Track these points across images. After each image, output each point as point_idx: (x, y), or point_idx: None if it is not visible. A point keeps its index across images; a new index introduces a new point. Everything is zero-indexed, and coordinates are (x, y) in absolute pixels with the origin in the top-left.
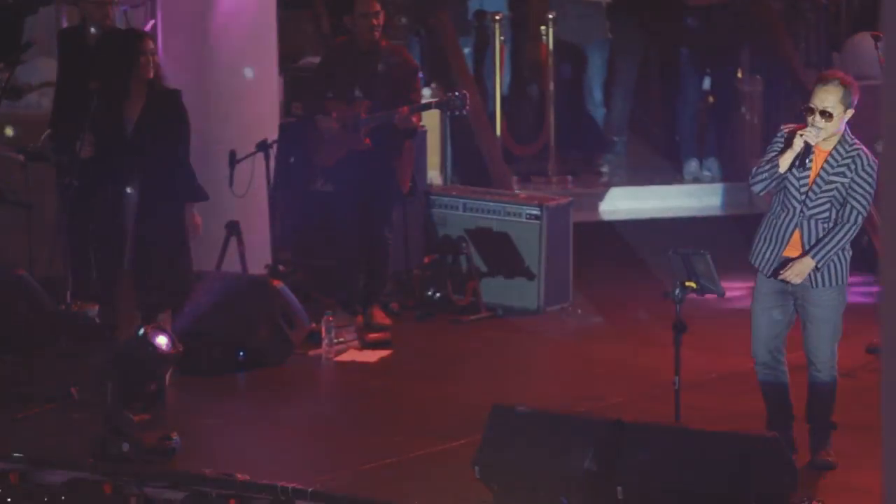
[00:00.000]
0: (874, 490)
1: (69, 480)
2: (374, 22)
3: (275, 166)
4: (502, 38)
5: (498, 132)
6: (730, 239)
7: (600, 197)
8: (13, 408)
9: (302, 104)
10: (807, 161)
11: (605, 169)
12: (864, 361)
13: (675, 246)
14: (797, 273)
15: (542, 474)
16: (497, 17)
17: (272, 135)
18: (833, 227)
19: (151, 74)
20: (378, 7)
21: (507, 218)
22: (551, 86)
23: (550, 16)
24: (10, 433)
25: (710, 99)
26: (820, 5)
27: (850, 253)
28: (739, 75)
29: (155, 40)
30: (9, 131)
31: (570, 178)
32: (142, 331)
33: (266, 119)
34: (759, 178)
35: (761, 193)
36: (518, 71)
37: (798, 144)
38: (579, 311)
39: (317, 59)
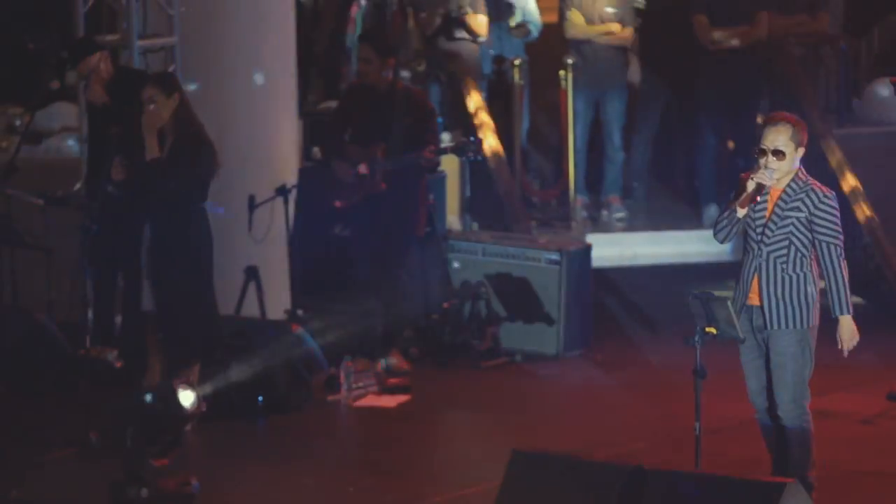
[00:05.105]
0: None
1: None
2: (364, 67)
3: (294, 211)
4: (521, 82)
5: (517, 177)
6: None
7: (620, 242)
8: (33, 452)
9: (320, 148)
10: (758, 198)
11: (624, 214)
12: (884, 408)
13: (695, 292)
14: (848, 338)
15: None
16: (516, 63)
17: (291, 179)
18: (828, 277)
19: (156, 123)
20: (371, 53)
21: (526, 263)
22: (570, 131)
23: (570, 61)
24: (29, 478)
25: (730, 144)
26: (839, 51)
27: (815, 298)
28: (759, 121)
29: (176, 84)
30: None
31: (589, 223)
32: (168, 385)
33: (285, 163)
34: (720, 226)
35: (724, 242)
36: (537, 116)
37: (750, 186)
38: (599, 356)
39: (335, 104)
